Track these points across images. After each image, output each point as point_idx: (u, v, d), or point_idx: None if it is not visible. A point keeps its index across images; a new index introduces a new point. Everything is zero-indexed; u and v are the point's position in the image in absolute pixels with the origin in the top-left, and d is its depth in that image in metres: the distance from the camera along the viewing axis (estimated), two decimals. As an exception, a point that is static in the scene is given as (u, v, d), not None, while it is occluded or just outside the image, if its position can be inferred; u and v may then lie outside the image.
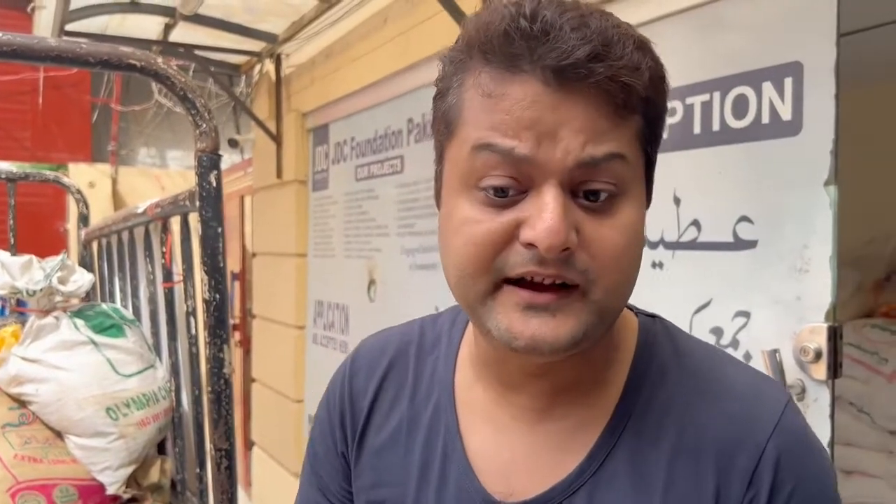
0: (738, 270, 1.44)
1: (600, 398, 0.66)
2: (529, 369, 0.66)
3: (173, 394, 1.69)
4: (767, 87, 1.39)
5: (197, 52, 3.51)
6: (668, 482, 0.61)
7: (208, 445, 1.35)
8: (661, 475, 0.62)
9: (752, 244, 1.42)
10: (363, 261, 2.92)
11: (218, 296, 1.33)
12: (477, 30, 0.59)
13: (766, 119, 1.39)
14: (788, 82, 1.35)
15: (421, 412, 0.73)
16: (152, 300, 1.85)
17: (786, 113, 1.36)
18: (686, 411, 0.63)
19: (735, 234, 1.45)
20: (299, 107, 3.45)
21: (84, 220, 2.67)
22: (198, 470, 1.55)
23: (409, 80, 2.55)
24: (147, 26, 3.25)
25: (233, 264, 4.63)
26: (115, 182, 5.55)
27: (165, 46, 3.35)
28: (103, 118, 5.77)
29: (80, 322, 1.56)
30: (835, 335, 1.28)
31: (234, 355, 4.49)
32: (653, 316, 0.72)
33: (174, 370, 1.70)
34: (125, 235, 2.09)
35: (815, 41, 1.31)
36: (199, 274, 1.39)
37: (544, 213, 0.55)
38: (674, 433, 0.63)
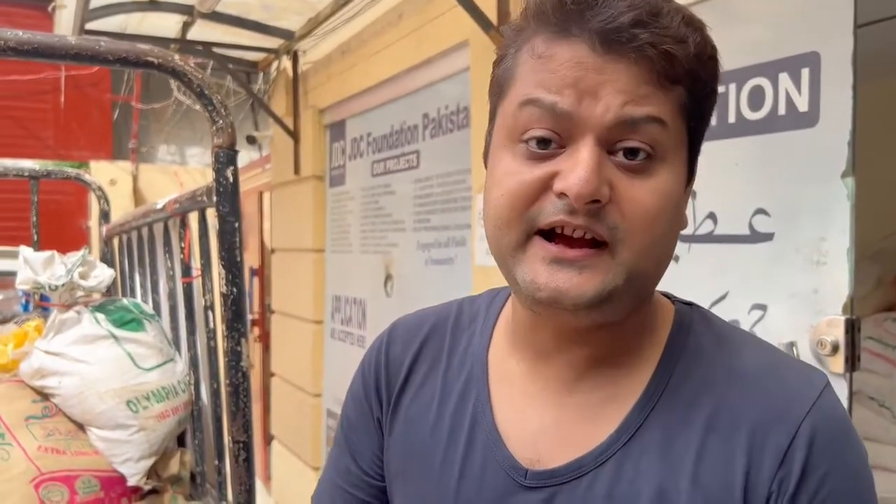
0: (754, 263, 1.43)
1: (632, 374, 0.66)
2: (564, 335, 0.67)
3: (192, 387, 1.71)
4: (784, 78, 1.38)
5: (215, 49, 3.54)
6: (699, 457, 0.61)
7: (226, 438, 1.37)
8: (692, 450, 0.61)
9: (768, 237, 1.41)
10: (380, 256, 2.93)
11: (235, 290, 1.34)
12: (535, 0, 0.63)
13: (782, 110, 1.38)
14: (805, 73, 1.34)
15: (453, 383, 0.75)
16: (171, 295, 1.88)
17: (802, 104, 1.35)
18: (722, 390, 0.63)
19: (751, 227, 1.44)
20: (316, 103, 3.46)
21: (105, 216, 2.70)
22: (216, 462, 1.57)
23: (424, 75, 2.55)
24: (165, 24, 3.28)
25: (252, 260, 4.67)
26: (135, 179, 5.62)
27: (184, 44, 3.39)
28: (124, 116, 5.84)
29: (101, 316, 1.58)
30: (852, 328, 1.27)
31: (254, 350, 4.52)
32: (690, 304, 0.72)
33: (193, 364, 1.72)
34: (145, 231, 2.12)
35: (833, 32, 1.30)
36: (217, 268, 1.41)
37: (578, 165, 0.58)
38: (707, 410, 0.62)
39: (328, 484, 0.84)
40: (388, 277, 2.87)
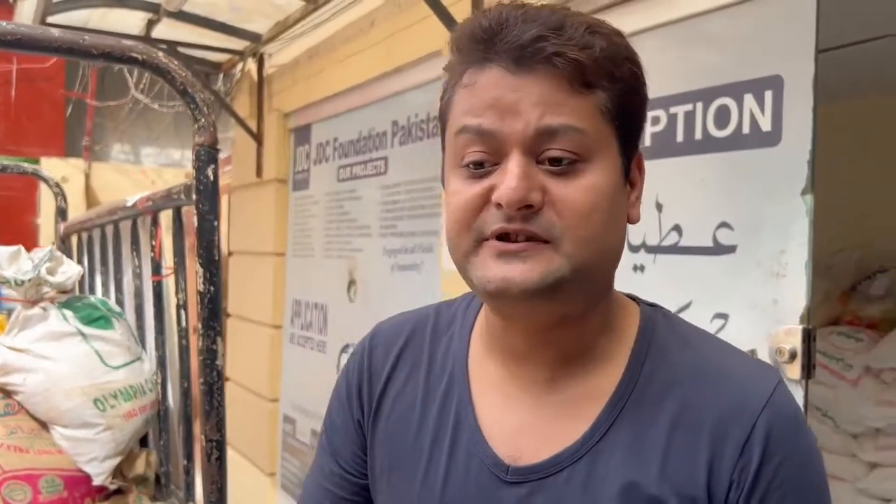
0: (717, 274, 1.49)
1: (603, 373, 0.71)
2: (532, 337, 0.71)
3: (160, 387, 1.69)
4: (748, 99, 1.45)
5: (179, 49, 3.50)
6: (666, 452, 0.66)
7: (200, 436, 1.36)
8: (659, 447, 0.66)
9: (731, 249, 1.48)
10: (344, 261, 2.94)
11: (212, 288, 1.35)
12: (455, 37, 0.70)
13: (746, 129, 1.45)
14: (769, 95, 1.41)
15: (436, 385, 0.78)
16: (137, 294, 1.86)
17: (766, 124, 1.42)
18: (686, 389, 0.68)
19: (715, 240, 1.50)
20: (281, 107, 3.46)
21: (62, 213, 2.65)
22: (185, 462, 1.55)
23: (395, 82, 2.58)
24: (130, 21, 3.23)
25: (169, 267, 4.59)
26: (88, 177, 5.49)
27: (146, 42, 3.34)
28: (77, 113, 5.70)
29: (68, 313, 1.56)
30: (808, 337, 1.34)
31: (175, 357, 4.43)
32: (653, 305, 0.77)
33: (161, 363, 1.70)
34: (109, 229, 2.09)
35: (795, 56, 1.37)
36: (191, 267, 1.40)
37: (507, 176, 0.64)
38: (673, 409, 0.67)
39: (312, 484, 0.88)
40: (351, 282, 2.87)
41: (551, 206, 0.64)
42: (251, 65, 3.63)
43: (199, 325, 1.35)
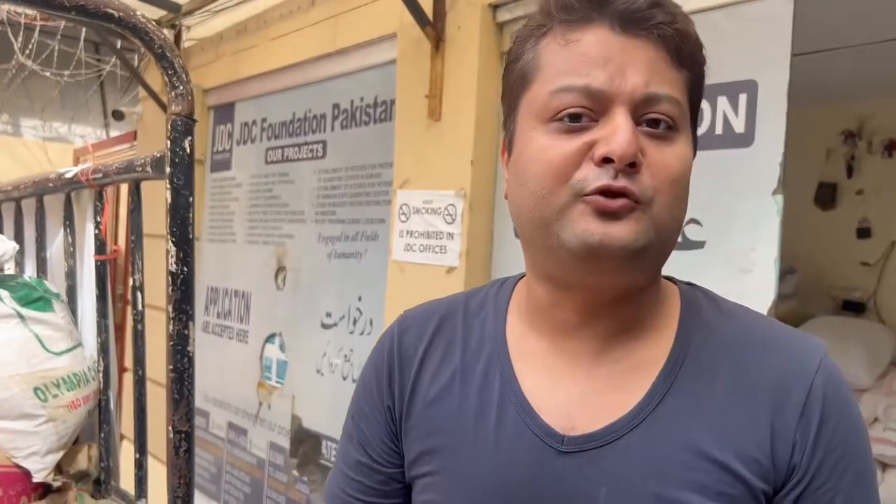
0: (685, 269, 1.52)
1: (651, 346, 0.72)
2: (585, 310, 0.71)
3: (101, 375, 1.56)
4: (722, 101, 1.51)
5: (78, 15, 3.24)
6: (725, 419, 0.67)
7: (167, 427, 1.27)
8: (717, 413, 0.67)
9: (700, 245, 1.53)
10: (271, 247, 2.82)
11: (185, 269, 1.26)
12: None
13: (719, 130, 1.51)
14: (743, 98, 1.48)
15: (473, 364, 0.77)
16: (70, 275, 1.70)
17: (739, 126, 1.48)
18: (738, 356, 0.69)
19: (684, 235, 1.55)
20: (200, 82, 3.27)
21: (-51, 185, 2.40)
22: (137, 456, 1.44)
23: (338, 64, 2.50)
24: (34, -21, 2.96)
25: (114, 246, 4.29)
26: (-39, 148, 4.99)
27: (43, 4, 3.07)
28: (-52, 76, 5.17)
29: (4, 293, 1.41)
30: (775, 330, 1.41)
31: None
32: (691, 284, 0.79)
33: (103, 350, 1.57)
34: (27, 203, 1.90)
35: (770, 62, 1.44)
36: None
37: (618, 130, 0.63)
38: (728, 375, 0.68)
39: (338, 474, 0.86)
40: (280, 269, 2.77)
41: (648, 168, 0.64)
42: (167, 36, 3.41)
43: (170, 308, 1.27)
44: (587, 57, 0.65)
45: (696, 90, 0.70)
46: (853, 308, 3.31)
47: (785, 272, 2.73)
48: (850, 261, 3.24)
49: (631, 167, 0.63)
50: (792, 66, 1.41)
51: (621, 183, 0.63)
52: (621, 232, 0.63)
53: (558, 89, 0.66)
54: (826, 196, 3.37)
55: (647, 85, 0.64)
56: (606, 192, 0.64)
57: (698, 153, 1.50)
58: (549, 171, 0.66)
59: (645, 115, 0.65)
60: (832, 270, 3.23)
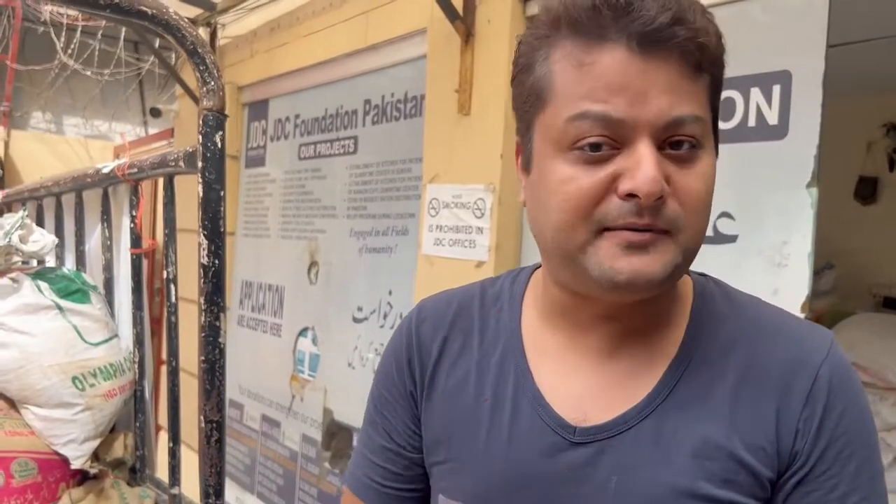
0: (717, 263, 1.52)
1: (664, 339, 0.72)
2: (601, 313, 0.71)
3: (136, 366, 1.60)
4: (755, 93, 1.48)
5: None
6: (734, 408, 0.67)
7: (198, 417, 1.29)
8: (726, 402, 0.67)
9: (732, 238, 1.51)
10: (304, 242, 2.85)
11: (217, 261, 1.29)
12: (565, 6, 0.64)
13: (752, 122, 1.48)
14: (776, 89, 1.45)
15: (489, 356, 0.78)
16: (107, 267, 1.74)
17: (772, 118, 1.45)
18: (748, 346, 0.69)
19: (716, 229, 1.53)
20: (235, 79, 3.32)
21: (-1, 182, 2.48)
22: (171, 445, 1.47)
23: (369, 60, 2.52)
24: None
25: (149, 240, 4.37)
26: (7, 146, 5.12)
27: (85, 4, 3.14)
28: (-6, 75, 5.33)
29: (43, 285, 1.45)
30: (809, 325, 1.38)
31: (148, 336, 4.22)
32: (703, 274, 0.78)
33: (139, 341, 1.60)
34: (67, 198, 1.95)
35: (805, 52, 1.41)
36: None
37: (643, 164, 0.61)
38: (738, 365, 0.69)
39: (362, 461, 0.87)
40: (312, 264, 2.79)
41: (674, 195, 0.63)
42: (202, 34, 3.46)
43: (202, 300, 1.30)
44: (604, 82, 0.62)
45: (716, 88, 0.68)
46: (894, 305, 3.23)
47: (823, 268, 2.68)
48: (892, 257, 3.16)
49: (658, 200, 0.62)
50: (830, 57, 1.38)
51: (645, 220, 0.62)
52: (650, 266, 0.63)
53: (575, 116, 0.63)
54: (866, 190, 3.29)
55: (671, 109, 0.61)
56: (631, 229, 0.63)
57: (730, 146, 1.49)
58: (571, 205, 0.64)
59: (669, 138, 0.63)
60: (873, 267, 3.16)
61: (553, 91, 0.65)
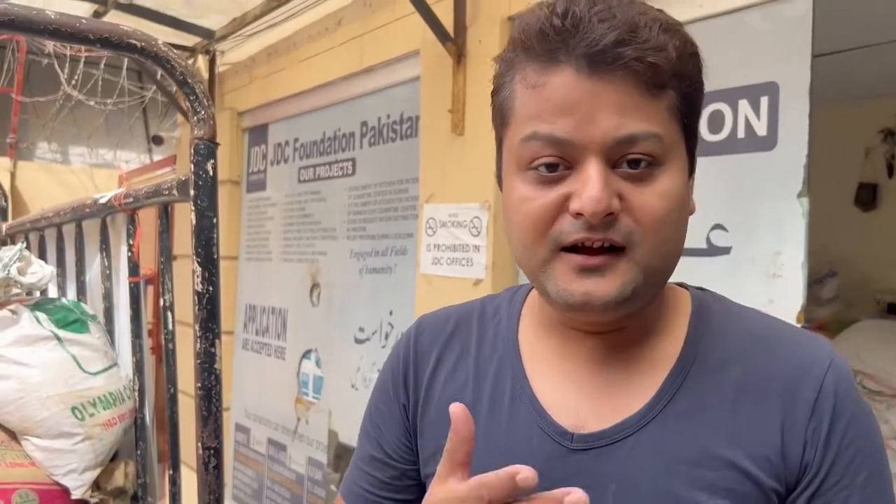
0: (711, 275, 1.52)
1: (661, 349, 0.72)
2: (583, 326, 0.73)
3: (137, 394, 1.60)
4: (743, 105, 1.49)
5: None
6: (734, 419, 0.67)
7: (196, 445, 1.30)
8: (726, 412, 0.67)
9: (725, 250, 1.51)
10: (305, 264, 2.87)
11: (211, 288, 1.30)
12: (519, 31, 0.67)
13: (741, 134, 1.49)
14: (764, 101, 1.46)
15: (487, 366, 0.79)
16: (107, 296, 1.76)
17: (761, 129, 1.46)
18: (747, 357, 0.69)
19: (709, 241, 1.53)
20: (235, 105, 3.36)
21: (3, 213, 2.51)
22: (171, 472, 1.47)
23: (365, 83, 2.54)
24: (74, 11, 3.07)
25: (147, 267, 4.40)
26: (13, 177, 5.18)
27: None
28: (1, 108, 5.38)
29: (42, 316, 1.46)
30: (805, 335, 1.38)
31: (149, 364, 4.25)
32: (701, 289, 0.79)
33: (138, 369, 1.61)
34: (67, 228, 1.97)
35: (791, 63, 1.42)
36: (186, 264, 1.33)
37: (588, 185, 0.62)
38: (736, 376, 0.69)
39: (354, 470, 0.89)
40: (314, 286, 2.80)
41: (628, 212, 0.63)
42: (202, 62, 3.51)
43: (197, 327, 1.30)
44: (553, 104, 0.63)
45: (687, 104, 0.66)
46: (900, 311, 3.21)
47: (825, 276, 2.67)
48: (894, 262, 3.15)
49: (608, 216, 0.62)
50: (822, 65, 1.39)
51: (598, 235, 0.63)
52: (603, 289, 0.64)
53: (527, 137, 0.65)
54: (866, 196, 3.28)
55: (618, 128, 0.62)
56: (586, 245, 0.64)
57: (720, 157, 1.50)
58: (529, 223, 0.66)
59: (623, 156, 0.63)
60: (875, 273, 3.14)
61: (513, 112, 0.67)
